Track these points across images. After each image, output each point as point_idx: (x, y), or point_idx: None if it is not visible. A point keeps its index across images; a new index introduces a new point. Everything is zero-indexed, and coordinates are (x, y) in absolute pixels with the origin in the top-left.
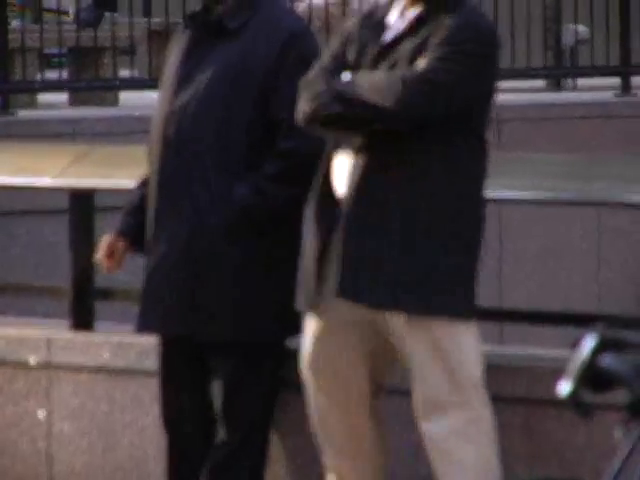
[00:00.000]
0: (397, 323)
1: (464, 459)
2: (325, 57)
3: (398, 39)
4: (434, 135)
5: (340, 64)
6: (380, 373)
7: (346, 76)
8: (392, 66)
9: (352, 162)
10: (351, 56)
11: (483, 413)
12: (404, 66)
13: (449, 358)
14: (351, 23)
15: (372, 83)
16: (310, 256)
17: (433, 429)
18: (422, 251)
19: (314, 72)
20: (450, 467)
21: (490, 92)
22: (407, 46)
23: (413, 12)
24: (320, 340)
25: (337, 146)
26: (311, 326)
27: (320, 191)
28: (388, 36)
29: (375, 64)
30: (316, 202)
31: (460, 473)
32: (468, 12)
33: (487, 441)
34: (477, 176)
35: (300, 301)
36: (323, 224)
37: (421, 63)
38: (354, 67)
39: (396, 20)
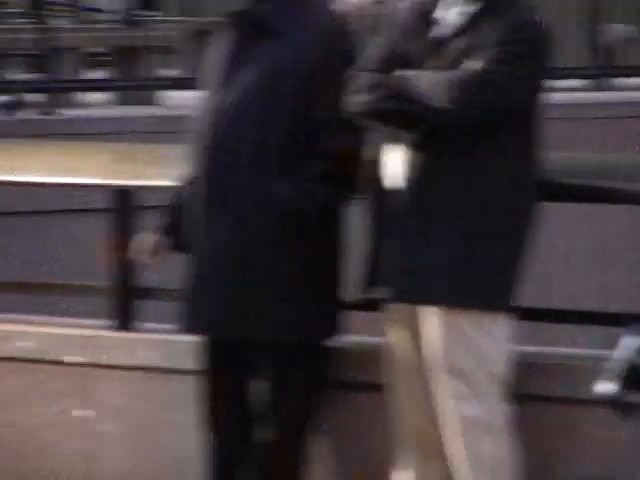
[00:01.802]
0: (426, 315)
1: (479, 449)
2: (375, 45)
3: (449, 36)
4: (487, 132)
5: (389, 55)
6: None
7: (399, 73)
8: (444, 64)
9: (405, 156)
10: (400, 48)
11: (498, 407)
12: (456, 66)
13: (473, 350)
14: (398, 9)
15: (431, 83)
16: (364, 249)
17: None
18: (469, 245)
19: (365, 62)
20: (464, 458)
21: (538, 91)
22: (458, 45)
23: (468, 8)
24: (396, 341)
25: (388, 139)
26: (388, 327)
27: (370, 183)
28: (438, 31)
29: (423, 60)
30: (367, 194)
31: (474, 463)
32: (522, 10)
33: (501, 435)
34: (527, 173)
35: (349, 292)
36: (376, 216)
37: (476, 63)
38: (402, 60)
39: (444, 16)
